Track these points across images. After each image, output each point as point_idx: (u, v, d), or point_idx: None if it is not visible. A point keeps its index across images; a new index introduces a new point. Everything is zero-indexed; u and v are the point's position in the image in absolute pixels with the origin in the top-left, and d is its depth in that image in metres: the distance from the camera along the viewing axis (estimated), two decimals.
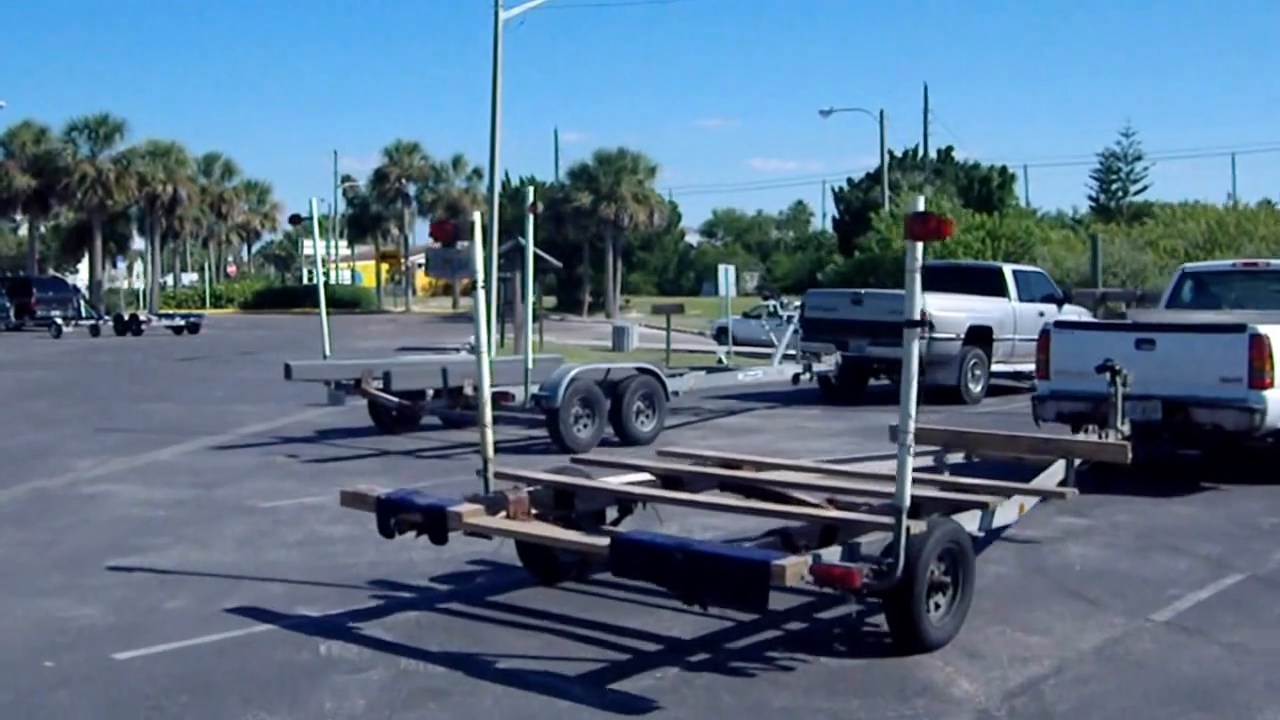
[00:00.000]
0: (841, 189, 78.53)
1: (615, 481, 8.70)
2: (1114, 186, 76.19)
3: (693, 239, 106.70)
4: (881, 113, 58.36)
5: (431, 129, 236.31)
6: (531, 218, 15.42)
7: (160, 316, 53.35)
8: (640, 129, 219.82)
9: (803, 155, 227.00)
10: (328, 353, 16.69)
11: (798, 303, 21.94)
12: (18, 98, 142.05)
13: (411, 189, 78.90)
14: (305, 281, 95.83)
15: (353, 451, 15.37)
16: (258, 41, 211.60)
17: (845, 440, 16.68)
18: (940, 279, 24.50)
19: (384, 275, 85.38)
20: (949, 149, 75.36)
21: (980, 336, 22.66)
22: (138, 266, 70.73)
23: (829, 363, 21.75)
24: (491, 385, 15.31)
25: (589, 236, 70.68)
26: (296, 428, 17.81)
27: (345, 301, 77.72)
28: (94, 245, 67.84)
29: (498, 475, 8.30)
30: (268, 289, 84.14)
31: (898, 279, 51.94)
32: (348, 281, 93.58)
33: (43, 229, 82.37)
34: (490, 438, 8.25)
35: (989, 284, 24.25)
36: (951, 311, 22.29)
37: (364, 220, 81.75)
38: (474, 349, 8.66)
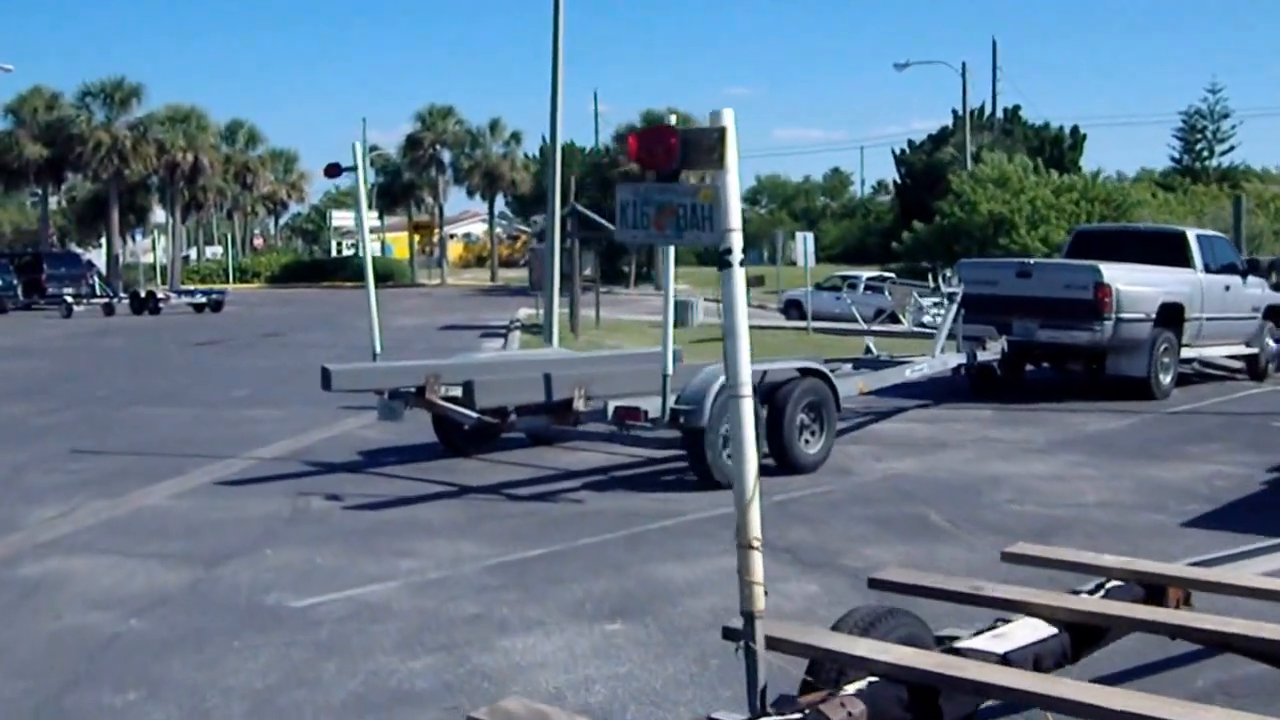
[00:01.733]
0: (903, 151, 74.08)
1: (1001, 650, 4.35)
2: (1199, 146, 71.48)
3: None
4: (964, 65, 53.82)
5: (465, 94, 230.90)
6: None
7: (180, 293, 49.21)
8: (664, 99, 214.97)
9: (828, 124, 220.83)
10: (378, 349, 12.39)
11: (950, 276, 17.73)
12: (27, 62, 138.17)
13: (446, 155, 74.73)
14: (335, 254, 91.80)
15: (415, 487, 11.14)
16: (280, 4, 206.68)
17: (1069, 460, 12.69)
18: (1106, 246, 20.27)
19: (419, 247, 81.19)
20: (1016, 108, 70.78)
21: (1171, 316, 18.36)
22: (162, 240, 66.87)
23: (994, 350, 17.56)
24: (615, 393, 11.24)
25: None
26: (334, 446, 13.58)
27: (377, 274, 72.35)
28: (110, 218, 63.87)
29: (774, 644, 4.07)
30: (295, 262, 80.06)
31: (985, 245, 47.71)
32: (378, 254, 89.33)
33: (61, 202, 78.65)
34: (758, 571, 4.00)
35: (1169, 252, 19.92)
36: (1139, 286, 18.05)
37: (395, 189, 77.51)
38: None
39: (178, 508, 10.35)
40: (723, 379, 10.60)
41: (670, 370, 10.33)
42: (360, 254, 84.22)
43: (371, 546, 8.95)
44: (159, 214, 70.38)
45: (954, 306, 16.91)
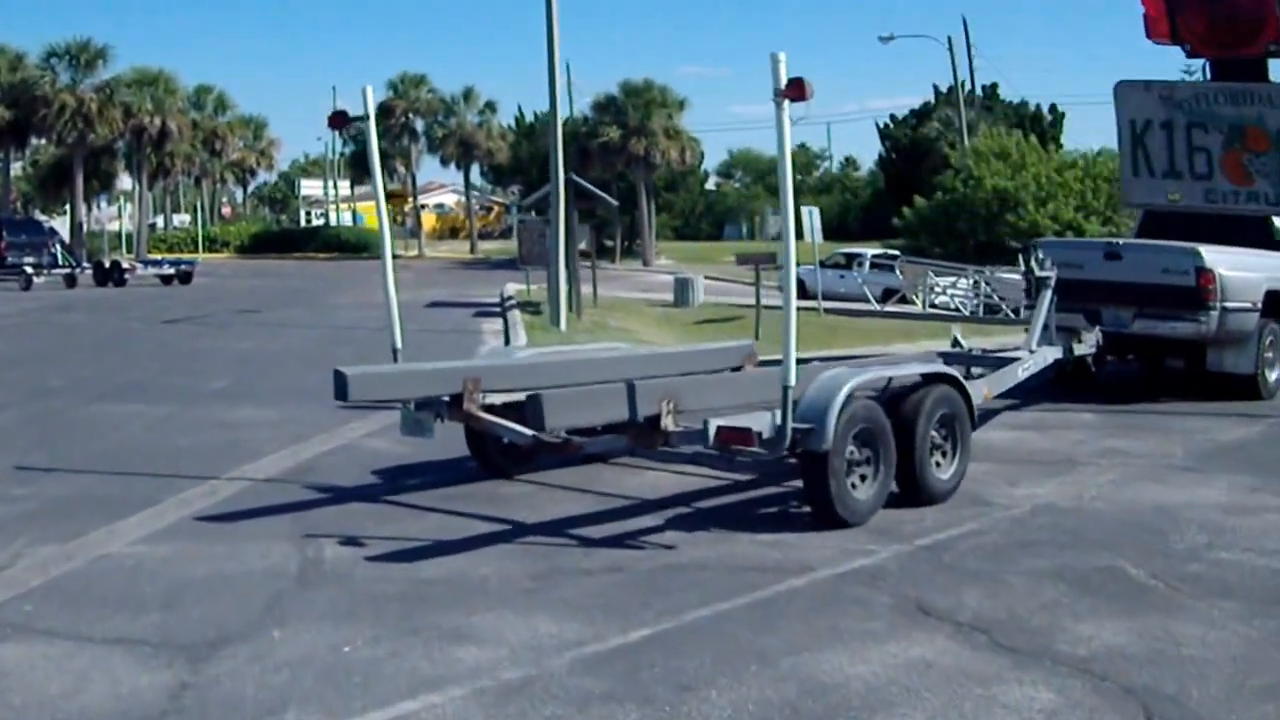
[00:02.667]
0: (887, 125, 71.85)
1: None
2: None
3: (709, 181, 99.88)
4: (950, 39, 51.61)
5: (438, 62, 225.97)
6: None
7: (147, 264, 46.49)
8: (625, 73, 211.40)
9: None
10: (398, 344, 10.02)
11: (1042, 258, 15.45)
12: None
13: (419, 124, 72.05)
14: (305, 224, 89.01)
15: (454, 525, 8.77)
16: None
17: (1235, 482, 10.42)
18: (1182, 225, 18.00)
19: (398, 217, 78.52)
20: (994, 86, 68.79)
21: (1277, 305, 16.09)
22: (128, 208, 64.09)
23: (1089, 343, 15.32)
24: (706, 406, 8.83)
25: (615, 174, 63.79)
26: (339, 462, 11.17)
27: (352, 245, 71.16)
28: (75, 183, 61.02)
29: None
30: (265, 232, 77.31)
31: (991, 222, 45.56)
32: (349, 224, 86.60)
33: (26, 167, 75.68)
34: None
35: (1254, 233, 17.73)
36: (1244, 271, 15.78)
37: (366, 158, 74.51)
38: None
39: (150, 558, 7.91)
40: (849, 387, 8.31)
41: (793, 380, 7.97)
42: (385, 224, 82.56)
43: (414, 624, 6.57)
44: (125, 180, 67.67)
45: (1048, 293, 14.57)
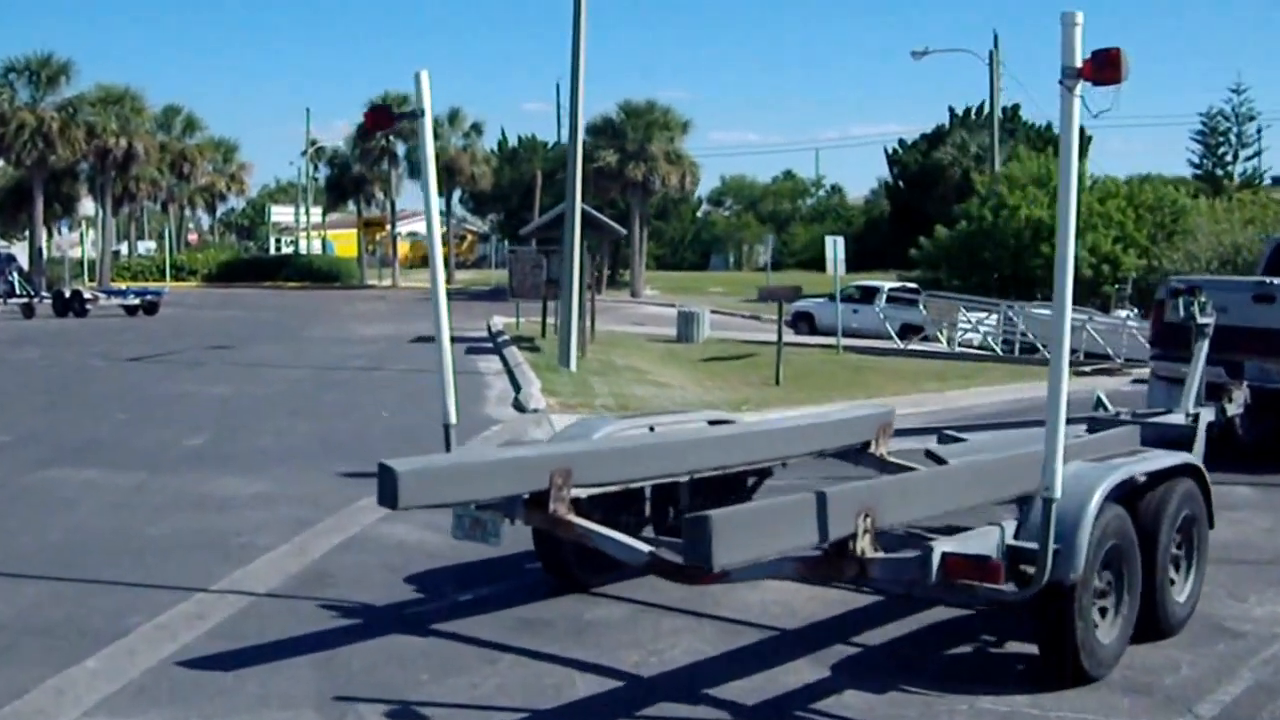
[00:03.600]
0: (895, 151, 69.74)
1: None
2: (1220, 150, 67.39)
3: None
4: (991, 53, 48.95)
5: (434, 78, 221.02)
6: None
7: (110, 293, 43.70)
8: (602, 97, 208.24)
9: (762, 128, 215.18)
10: (452, 418, 7.53)
11: (1203, 301, 13.06)
12: None
13: (400, 147, 69.41)
14: (275, 251, 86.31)
15: (544, 678, 6.29)
16: None
17: None
18: None
19: (366, 245, 75.94)
20: (1015, 107, 66.51)
21: None
22: (91, 234, 61.30)
23: (1239, 401, 12.90)
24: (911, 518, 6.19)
25: (607, 201, 61.36)
26: (361, 563, 8.64)
27: (324, 274, 68.57)
28: (34, 207, 58.05)
29: None
30: (235, 260, 74.47)
31: (1020, 254, 43.23)
32: (322, 252, 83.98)
33: None
34: None
35: None
36: None
37: (344, 183, 72.08)
38: None
39: None
40: (1102, 492, 5.87)
41: (1059, 490, 5.51)
42: (332, 254, 79.70)
43: None
44: (88, 205, 64.79)
45: (1204, 344, 12.18)
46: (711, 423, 8.65)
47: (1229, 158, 67.78)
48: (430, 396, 18.78)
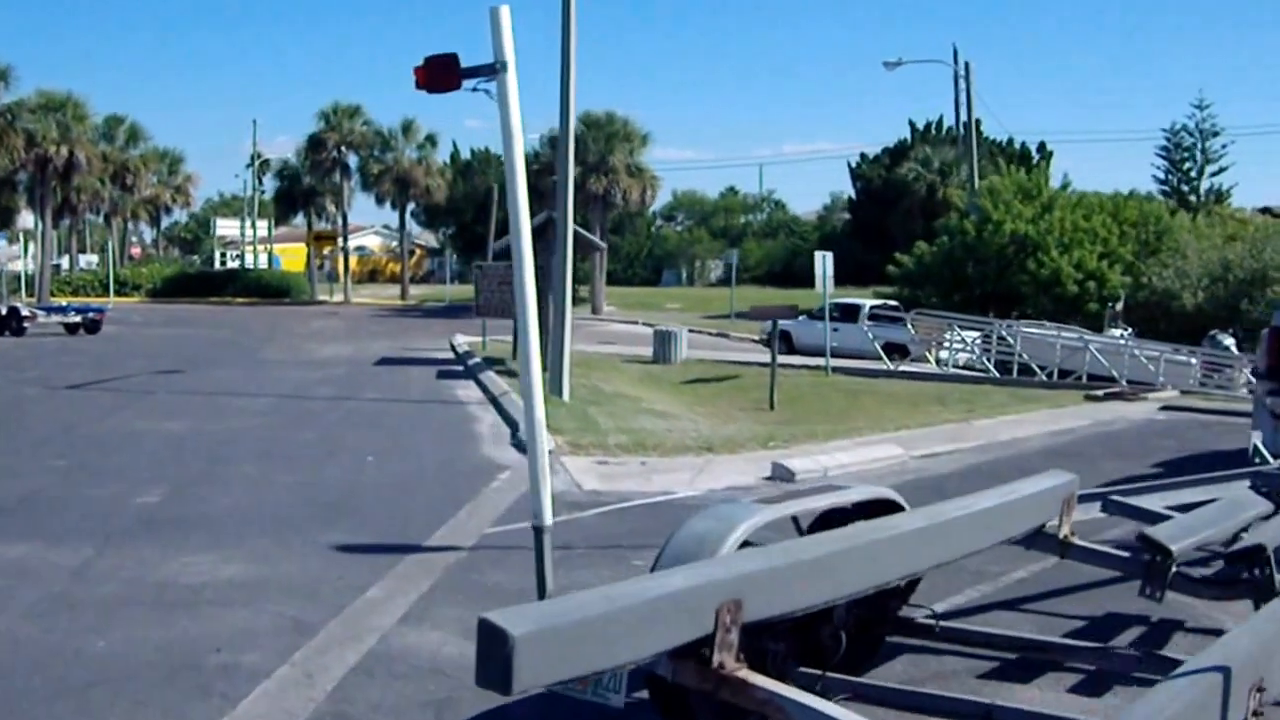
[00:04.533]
0: (858, 165, 67.98)
1: None
2: (1185, 166, 66.02)
3: None
4: (967, 65, 47.10)
5: (373, 94, 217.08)
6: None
7: (50, 310, 41.22)
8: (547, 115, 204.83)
9: (698, 145, 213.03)
10: (547, 520, 5.56)
11: None
12: None
13: (353, 159, 67.11)
14: (220, 265, 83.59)
15: None
16: None
17: None
18: None
19: (315, 260, 73.46)
20: (977, 122, 64.86)
21: None
22: (30, 247, 58.59)
23: None
24: None
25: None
26: (398, 707, 6.40)
27: (273, 289, 66.08)
28: None
29: None
30: (180, 274, 71.76)
31: (1004, 270, 41.43)
32: (268, 266, 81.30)
33: None
34: None
35: None
36: None
37: (293, 195, 69.65)
38: None
39: None
40: None
41: None
42: (279, 269, 76.77)
43: None
44: (27, 217, 62.13)
45: None
46: (858, 505, 6.53)
47: (1194, 173, 66.48)
48: (414, 434, 16.60)
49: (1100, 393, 25.35)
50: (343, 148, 66.12)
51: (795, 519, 6.21)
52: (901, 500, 6.69)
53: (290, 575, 8.84)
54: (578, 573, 9.10)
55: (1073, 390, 28.08)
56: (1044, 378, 30.50)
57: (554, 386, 20.57)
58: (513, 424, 17.34)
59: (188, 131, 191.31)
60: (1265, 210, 56.54)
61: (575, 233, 28.98)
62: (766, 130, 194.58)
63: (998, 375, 31.04)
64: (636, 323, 52.52)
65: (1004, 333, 32.49)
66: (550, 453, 14.74)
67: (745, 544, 5.42)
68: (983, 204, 42.08)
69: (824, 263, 31.58)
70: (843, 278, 70.63)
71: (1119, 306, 36.52)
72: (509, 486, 12.86)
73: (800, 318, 38.98)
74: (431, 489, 12.70)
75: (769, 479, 13.62)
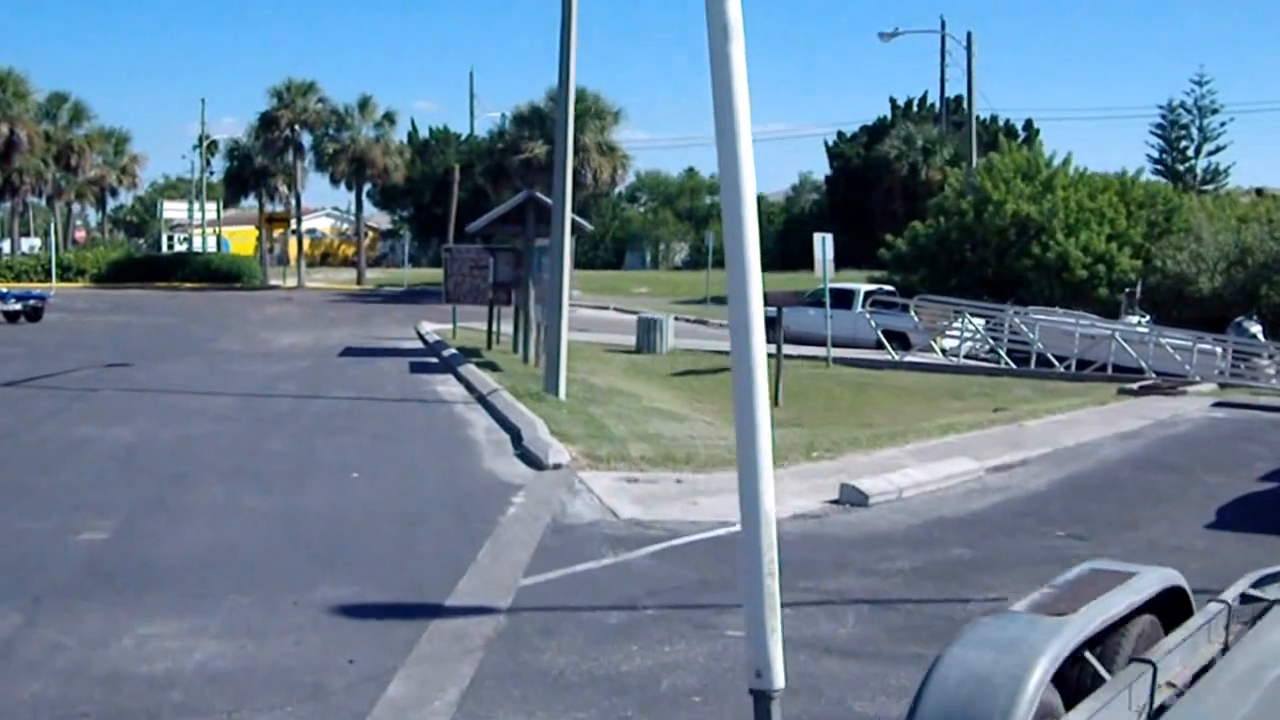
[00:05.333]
0: (834, 143, 65.93)
1: None
2: (1182, 145, 64.27)
3: None
4: (969, 35, 45.07)
5: (328, 71, 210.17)
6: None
7: None
8: (516, 93, 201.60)
9: (657, 124, 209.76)
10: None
11: None
12: None
13: (306, 138, 64.41)
14: (167, 249, 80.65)
15: None
16: None
17: None
18: None
19: (266, 243, 70.70)
20: (958, 99, 62.96)
21: None
22: None
23: None
24: None
25: None
26: None
27: (223, 274, 63.34)
28: None
29: None
30: (126, 259, 68.59)
31: (1004, 254, 39.44)
32: (217, 249, 78.41)
33: None
34: None
35: None
36: None
37: (244, 176, 66.86)
38: None
39: None
40: None
41: None
42: (228, 252, 73.61)
43: None
44: None
45: None
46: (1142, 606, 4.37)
47: (1191, 152, 64.75)
48: (399, 442, 14.37)
49: (1134, 386, 23.41)
50: (296, 126, 63.43)
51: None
52: (1187, 587, 4.63)
53: (284, 658, 6.65)
54: (661, 649, 6.97)
55: (1099, 383, 26.16)
56: (1062, 369, 28.52)
57: (550, 384, 18.43)
58: (511, 429, 15.17)
59: (134, 112, 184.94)
60: (1259, 191, 54.83)
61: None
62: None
63: (1013, 366, 29.05)
64: (608, 308, 50.42)
65: (1018, 320, 30.47)
66: (564, 466, 12.60)
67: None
68: (982, 183, 40.01)
69: (823, 245, 29.52)
70: (840, 261, 68.64)
71: (1136, 292, 34.53)
72: (529, 515, 10.69)
73: (793, 305, 36.95)
74: (437, 519, 10.50)
75: (835, 502, 11.50)
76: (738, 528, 9.80)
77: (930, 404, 24.15)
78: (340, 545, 9.46)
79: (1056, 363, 29.04)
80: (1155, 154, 65.84)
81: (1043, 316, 31.00)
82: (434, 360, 26.18)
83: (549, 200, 27.47)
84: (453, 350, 26.96)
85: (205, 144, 78.62)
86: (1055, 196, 38.65)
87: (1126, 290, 34.94)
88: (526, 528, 10.25)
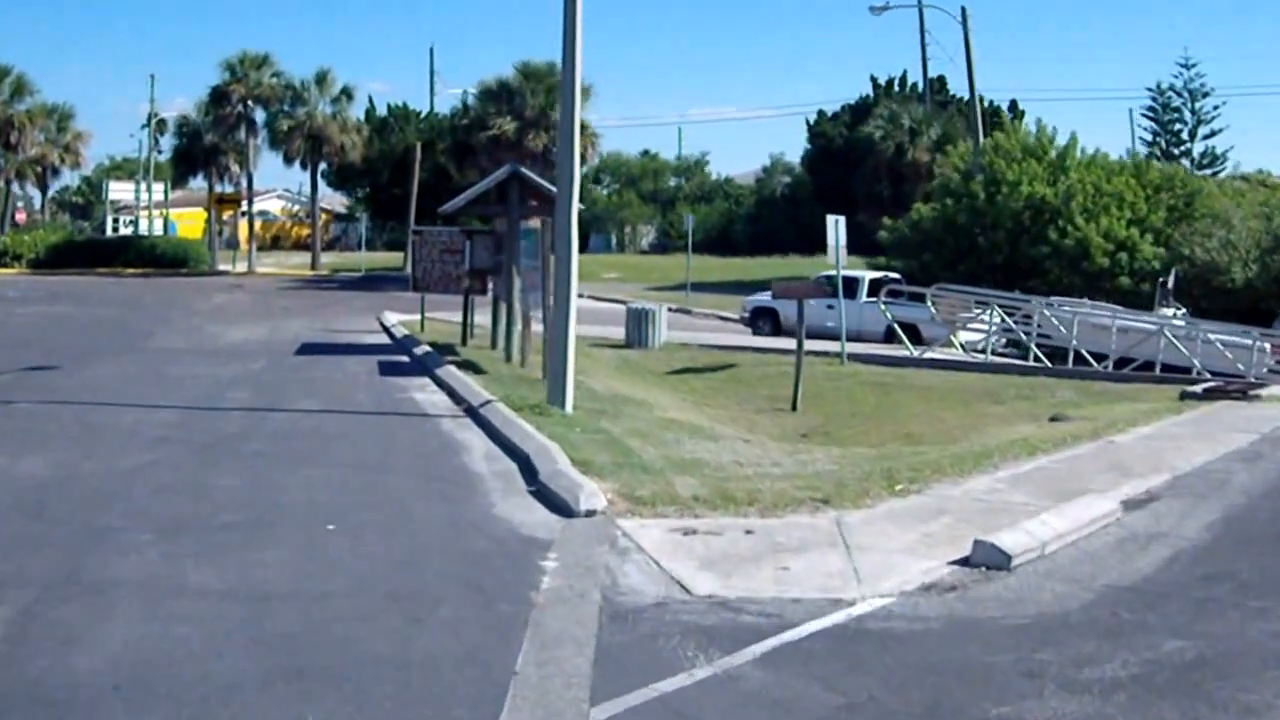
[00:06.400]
0: (815, 122, 63.24)
1: None
2: (1176, 128, 61.92)
3: None
4: (964, 10, 42.22)
5: (283, 43, 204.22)
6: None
7: None
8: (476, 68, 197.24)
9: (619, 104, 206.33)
10: None
11: None
12: None
13: (260, 114, 61.13)
14: (113, 233, 77.04)
15: None
16: None
17: None
18: None
19: (216, 226, 67.38)
20: (941, 79, 60.50)
21: None
22: None
23: None
24: None
25: None
26: None
27: (168, 258, 59.97)
28: None
29: None
30: (66, 242, 64.92)
31: (1018, 239, 36.58)
32: (163, 232, 74.89)
33: None
34: None
35: None
36: None
37: (193, 154, 63.46)
38: None
39: None
40: None
41: None
42: (175, 235, 69.72)
43: None
44: None
45: None
46: None
47: (1185, 135, 62.45)
48: (381, 476, 11.52)
49: (1198, 389, 20.80)
50: (249, 101, 60.18)
51: None
52: None
53: None
54: None
55: (1146, 384, 23.62)
56: (1099, 368, 25.97)
57: (554, 395, 15.62)
58: (518, 455, 12.37)
59: (82, 89, 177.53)
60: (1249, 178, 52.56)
61: (552, 194, 24.14)
62: (692, 90, 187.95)
63: (1048, 364, 26.41)
64: (583, 295, 47.50)
65: (1049, 312, 27.84)
66: (600, 512, 9.83)
67: None
68: (992, 162, 37.30)
69: (836, 229, 26.83)
70: (799, 244, 65.93)
71: (1169, 282, 31.93)
72: (571, 591, 7.95)
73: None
74: (449, 599, 7.72)
75: (964, 563, 8.76)
76: (856, 608, 7.10)
77: (967, 409, 21.57)
78: (320, 651, 6.67)
79: (1093, 361, 26.51)
80: (1148, 138, 63.65)
81: (1072, 309, 28.43)
82: (405, 359, 23.37)
83: (536, 177, 24.71)
84: (425, 347, 24.14)
85: (154, 122, 75.15)
86: (1070, 178, 36.07)
87: (1160, 280, 32.35)
88: (573, 613, 7.48)
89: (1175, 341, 25.11)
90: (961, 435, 18.05)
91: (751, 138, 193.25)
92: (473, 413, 15.57)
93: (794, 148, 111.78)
